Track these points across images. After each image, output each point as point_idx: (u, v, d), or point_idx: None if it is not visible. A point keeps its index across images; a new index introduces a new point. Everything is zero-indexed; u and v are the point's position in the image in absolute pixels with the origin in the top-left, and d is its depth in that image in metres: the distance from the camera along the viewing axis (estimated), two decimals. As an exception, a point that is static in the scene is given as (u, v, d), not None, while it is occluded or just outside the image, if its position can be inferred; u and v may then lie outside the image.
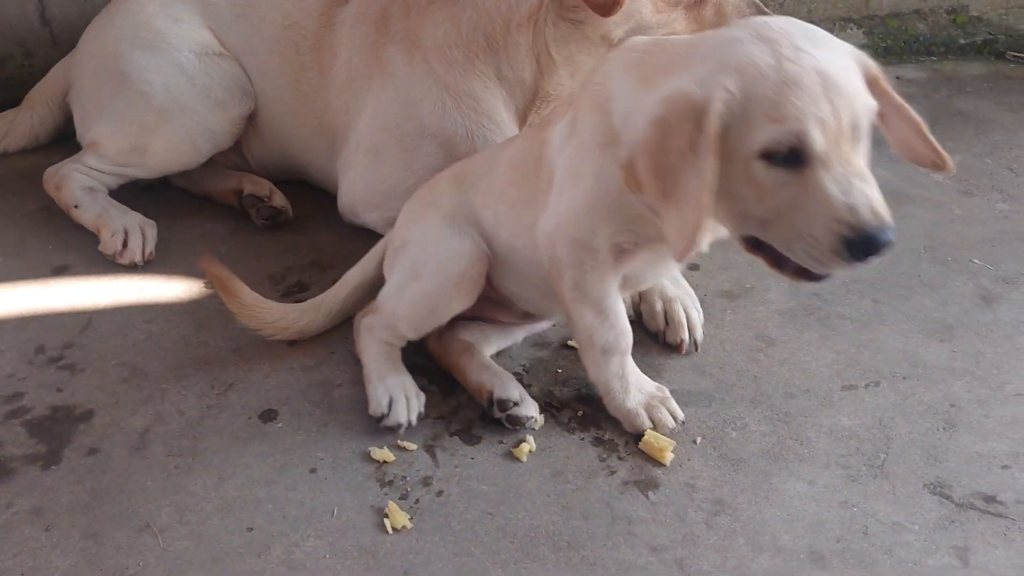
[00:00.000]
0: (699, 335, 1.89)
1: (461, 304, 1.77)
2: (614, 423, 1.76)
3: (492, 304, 1.87)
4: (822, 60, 1.30)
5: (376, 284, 1.90)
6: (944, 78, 3.24)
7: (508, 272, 1.79)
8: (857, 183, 1.29)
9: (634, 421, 1.72)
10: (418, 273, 1.77)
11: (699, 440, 1.73)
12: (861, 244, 1.29)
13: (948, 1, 3.36)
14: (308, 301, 1.94)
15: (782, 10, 3.22)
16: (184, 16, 2.34)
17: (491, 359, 1.86)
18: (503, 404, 1.74)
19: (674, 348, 1.93)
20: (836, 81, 1.30)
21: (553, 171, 1.62)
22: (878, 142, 2.77)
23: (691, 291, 1.90)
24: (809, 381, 1.88)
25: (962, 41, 3.38)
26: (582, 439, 1.74)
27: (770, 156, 1.30)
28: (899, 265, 2.23)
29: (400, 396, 1.73)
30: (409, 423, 1.71)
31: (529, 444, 1.71)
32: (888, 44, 3.34)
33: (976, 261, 2.26)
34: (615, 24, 1.94)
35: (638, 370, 1.77)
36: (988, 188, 2.57)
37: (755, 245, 1.44)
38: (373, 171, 2.18)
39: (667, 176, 1.30)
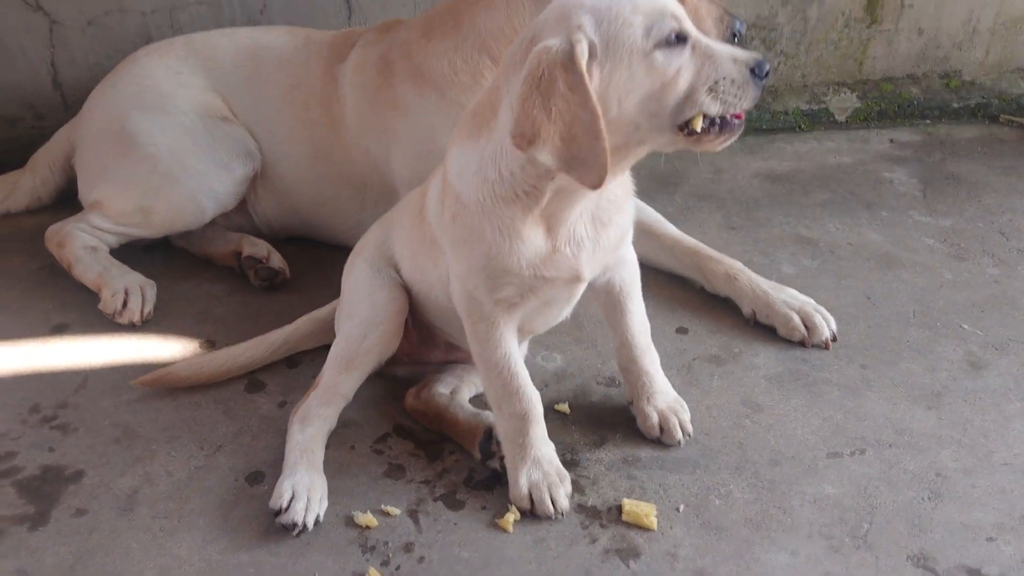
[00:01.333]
0: (690, 429, 1.90)
1: (388, 335, 1.85)
2: (597, 490, 1.77)
3: (420, 340, 1.99)
4: None
5: (325, 322, 2.05)
6: (938, 141, 3.29)
7: (420, 303, 1.91)
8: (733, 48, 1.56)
9: (513, 491, 1.73)
10: (350, 315, 1.89)
11: (682, 508, 1.74)
12: (759, 65, 1.52)
13: (941, 66, 3.42)
14: (254, 338, 2.06)
15: (776, 75, 3.28)
16: (189, 80, 2.42)
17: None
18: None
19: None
20: None
21: (433, 230, 1.74)
22: (870, 205, 2.81)
23: (678, 397, 1.92)
24: (794, 448, 1.88)
25: (955, 105, 3.43)
26: (565, 506, 1.74)
27: (661, 44, 1.48)
28: (888, 330, 2.24)
29: (303, 495, 1.68)
30: (305, 525, 1.65)
31: (514, 513, 1.71)
32: (882, 107, 3.39)
33: (965, 326, 2.27)
34: None
35: (548, 444, 1.76)
36: (979, 252, 2.59)
37: (690, 132, 1.54)
38: None
39: (558, 121, 1.42)
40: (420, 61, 2.24)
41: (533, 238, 1.60)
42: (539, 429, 1.74)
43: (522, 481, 1.72)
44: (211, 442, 1.89)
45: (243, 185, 2.42)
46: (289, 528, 1.65)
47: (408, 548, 1.65)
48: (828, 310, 2.21)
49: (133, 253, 2.44)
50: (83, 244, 2.36)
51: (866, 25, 3.25)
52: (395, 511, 1.72)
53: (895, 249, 2.59)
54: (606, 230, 1.67)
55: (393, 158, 2.31)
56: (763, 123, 3.32)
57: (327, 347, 1.92)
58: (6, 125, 2.85)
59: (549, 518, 1.70)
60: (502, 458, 1.77)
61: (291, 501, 1.67)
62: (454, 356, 2.02)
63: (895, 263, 2.53)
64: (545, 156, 1.45)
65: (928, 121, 3.42)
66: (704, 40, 1.52)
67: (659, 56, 1.48)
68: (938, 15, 3.28)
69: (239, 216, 2.54)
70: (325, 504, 1.71)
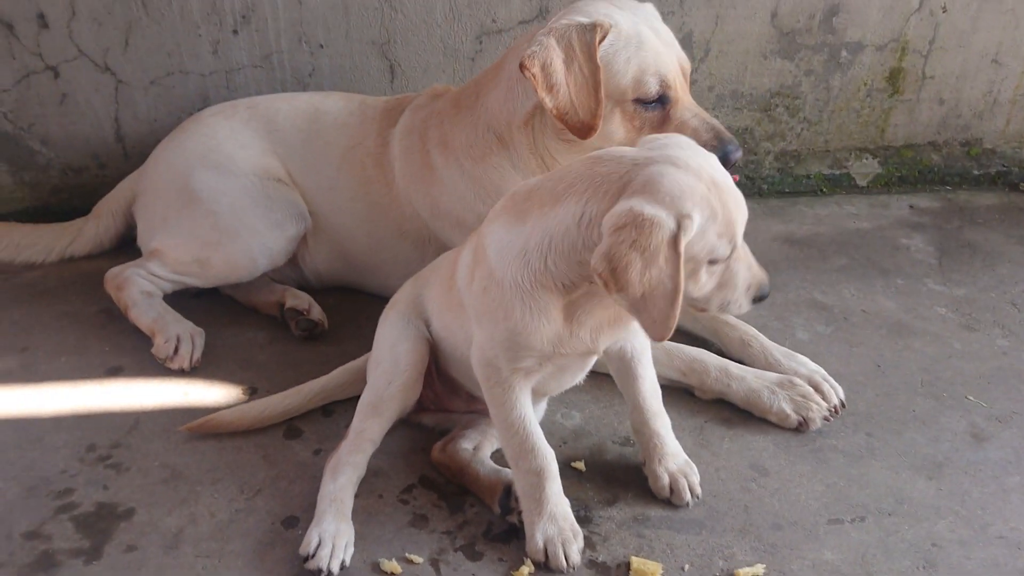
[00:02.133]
0: (699, 491, 2.00)
1: (409, 383, 2.01)
2: (608, 546, 1.88)
3: (444, 390, 2.14)
4: (721, 176, 1.65)
5: (360, 372, 2.19)
6: (957, 208, 3.38)
7: (446, 357, 2.07)
8: (748, 256, 1.74)
9: (529, 545, 1.85)
10: (376, 363, 2.06)
11: (687, 567, 1.84)
12: (763, 296, 1.75)
13: (962, 134, 3.51)
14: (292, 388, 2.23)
15: (799, 140, 3.40)
16: (250, 143, 2.61)
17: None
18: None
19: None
20: (734, 191, 1.67)
21: (461, 296, 1.89)
22: (886, 271, 2.90)
23: (688, 460, 2.03)
24: (797, 513, 1.98)
25: (976, 172, 3.51)
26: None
27: (713, 261, 1.67)
28: (895, 399, 2.33)
29: (328, 543, 1.81)
30: (330, 572, 1.78)
31: (528, 566, 1.83)
32: (903, 174, 3.49)
33: (971, 398, 2.35)
34: (600, 143, 2.18)
35: (563, 501, 1.88)
36: (990, 323, 2.67)
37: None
38: None
39: (647, 284, 1.58)
40: (446, 130, 2.42)
41: (557, 319, 1.74)
42: (554, 485, 1.86)
43: (538, 536, 1.84)
44: (251, 486, 2.04)
45: (294, 243, 2.60)
46: (315, 573, 1.79)
47: (429, 595, 1.78)
48: (838, 377, 2.31)
49: (183, 299, 2.61)
50: (140, 289, 2.53)
51: (888, 95, 3.36)
52: (418, 559, 1.85)
53: (907, 317, 2.69)
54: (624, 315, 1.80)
55: (435, 219, 2.48)
56: (785, 186, 3.44)
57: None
58: (73, 173, 3.06)
59: (562, 572, 1.82)
60: (520, 513, 1.89)
61: (317, 548, 1.81)
62: (475, 407, 2.15)
63: (906, 331, 2.62)
64: (620, 301, 1.62)
65: (948, 187, 3.51)
66: (734, 268, 1.70)
67: (703, 272, 1.66)
68: (959, 86, 3.39)
69: (288, 268, 2.71)
70: (351, 551, 1.84)
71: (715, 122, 2.21)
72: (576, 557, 1.83)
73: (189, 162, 2.56)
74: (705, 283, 1.69)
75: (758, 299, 1.74)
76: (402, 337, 2.05)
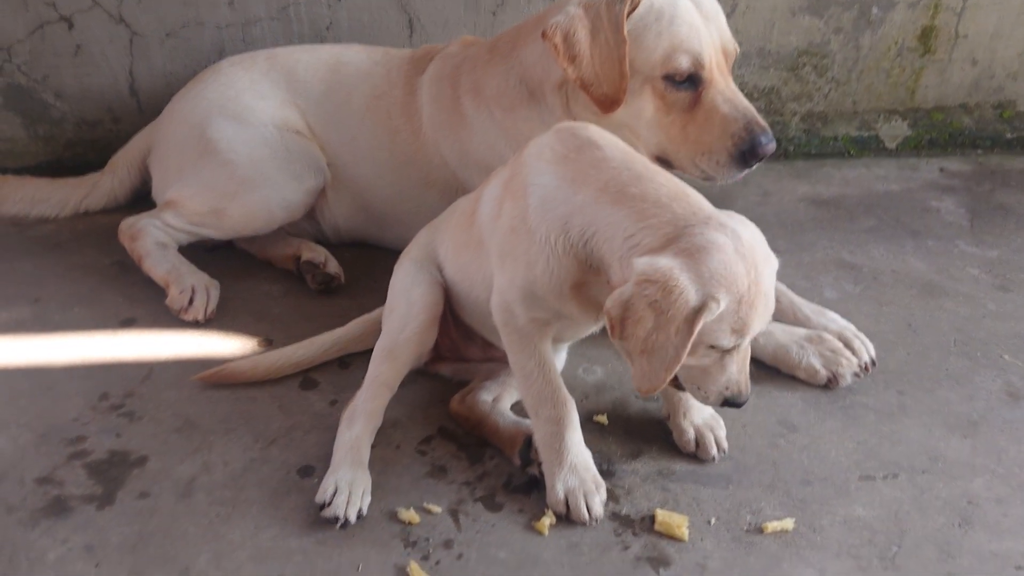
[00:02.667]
0: (725, 445, 1.94)
1: (424, 327, 1.96)
2: (631, 499, 1.83)
3: (460, 337, 2.10)
4: (767, 281, 1.59)
5: (375, 325, 2.15)
6: (988, 172, 3.28)
7: (460, 302, 2.02)
8: (746, 364, 1.67)
9: (550, 496, 1.80)
10: (391, 309, 2.02)
11: (713, 521, 1.79)
12: (732, 402, 1.69)
13: (995, 96, 3.41)
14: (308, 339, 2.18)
15: (827, 101, 3.31)
16: (269, 94, 2.55)
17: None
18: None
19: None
20: (771, 297, 1.61)
21: (482, 232, 1.84)
22: (916, 233, 2.83)
23: (715, 414, 1.97)
24: (827, 469, 1.92)
25: (1008, 135, 3.41)
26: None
27: (714, 347, 1.60)
28: (927, 358, 2.26)
29: (345, 490, 1.77)
30: (347, 519, 1.74)
31: (549, 517, 1.78)
32: (933, 136, 3.40)
33: (1006, 357, 2.28)
34: (627, 118, 2.14)
35: (584, 452, 1.83)
36: (1024, 284, 2.59)
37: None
38: None
39: (650, 343, 1.54)
40: (478, 77, 2.36)
41: (569, 292, 1.70)
42: (575, 435, 1.81)
43: (558, 487, 1.78)
44: (266, 435, 1.99)
45: (312, 196, 2.54)
46: (332, 521, 1.75)
47: (448, 545, 1.73)
48: (868, 336, 2.24)
49: (197, 253, 2.57)
50: (155, 240, 2.49)
51: (919, 54, 3.27)
52: (436, 509, 1.81)
53: (939, 278, 2.61)
54: None
55: (463, 166, 2.42)
56: (812, 148, 3.36)
57: (378, 349, 2.02)
58: (87, 127, 3.02)
59: (584, 524, 1.77)
60: (540, 464, 1.84)
61: (334, 496, 1.77)
62: (492, 354, 2.11)
63: (938, 292, 2.54)
64: (619, 347, 1.59)
65: (979, 151, 3.41)
66: (726, 363, 1.63)
67: (700, 351, 1.60)
68: (993, 46, 3.28)
69: (305, 222, 2.66)
70: (368, 500, 1.80)
71: (750, 110, 2.10)
72: (598, 509, 1.78)
73: (207, 112, 2.51)
74: (694, 361, 1.63)
75: (728, 403, 1.68)
76: (416, 282, 2.00)
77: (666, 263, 1.51)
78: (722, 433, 1.94)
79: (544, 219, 1.67)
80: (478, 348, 2.12)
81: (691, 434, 1.93)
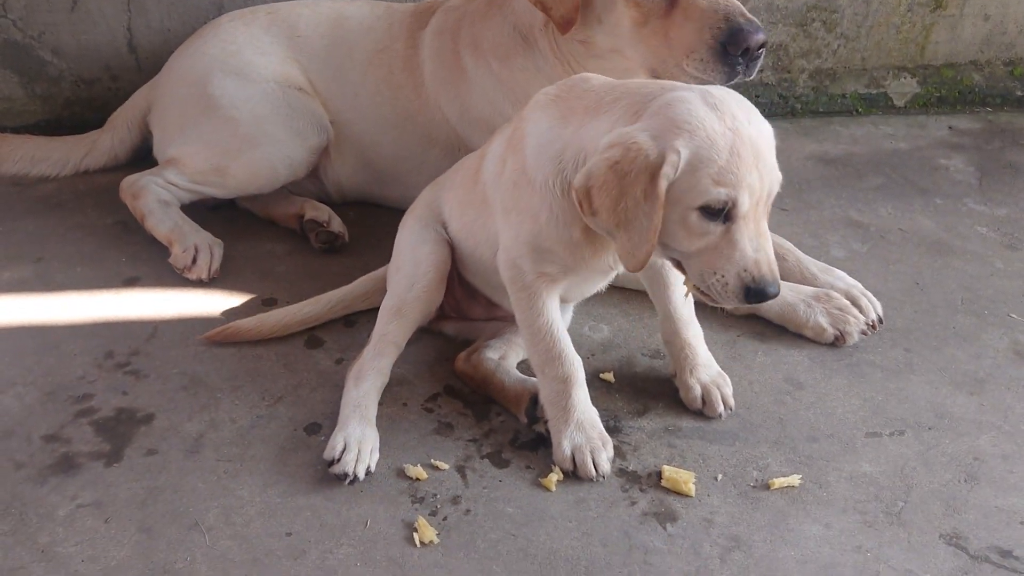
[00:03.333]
0: (732, 403, 1.94)
1: (432, 285, 1.96)
2: (638, 456, 1.83)
3: (464, 296, 2.10)
4: (755, 133, 1.52)
5: (380, 284, 2.13)
6: (998, 129, 3.25)
7: (464, 261, 2.02)
8: (763, 243, 1.56)
9: (556, 453, 1.80)
10: (397, 268, 2.02)
11: (720, 477, 1.79)
12: (757, 292, 1.55)
13: (1006, 52, 3.36)
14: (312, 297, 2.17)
15: (835, 58, 3.27)
16: (270, 50, 2.51)
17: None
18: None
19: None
20: (764, 154, 1.53)
21: (486, 190, 1.82)
22: (924, 191, 2.80)
23: (722, 371, 1.96)
24: (834, 426, 1.92)
25: (1019, 93, 3.37)
26: (606, 469, 1.81)
27: (706, 209, 1.52)
28: (935, 316, 2.26)
29: (354, 447, 1.76)
30: (356, 475, 1.74)
31: (557, 474, 1.78)
32: (942, 94, 3.35)
33: (1014, 315, 2.27)
34: (609, 40, 2.10)
35: (591, 409, 1.82)
36: (1033, 243, 2.58)
37: (677, 263, 1.66)
38: None
39: (621, 213, 1.51)
40: (477, 30, 2.34)
41: (580, 237, 1.67)
42: (581, 392, 1.81)
43: (565, 444, 1.79)
44: (272, 393, 1.99)
45: (316, 155, 2.51)
46: (340, 477, 1.75)
47: (455, 501, 1.74)
48: (876, 294, 2.23)
49: (200, 212, 2.54)
50: (157, 198, 2.46)
51: (930, 9, 3.21)
52: (444, 466, 1.81)
53: (947, 236, 2.59)
54: None
55: (465, 123, 2.40)
56: (820, 105, 3.31)
57: (383, 308, 2.01)
58: (85, 86, 2.98)
59: (591, 480, 1.77)
60: (547, 422, 1.84)
61: (343, 452, 1.77)
62: (496, 313, 2.10)
63: (946, 250, 2.53)
64: (596, 226, 1.56)
65: (989, 109, 3.37)
66: (743, 232, 1.53)
67: (693, 217, 1.53)
68: (1006, 1, 3.23)
69: (308, 181, 2.63)
70: (376, 456, 1.80)
71: (732, 1, 1.97)
72: (606, 466, 1.78)
73: (208, 68, 2.47)
74: (696, 237, 1.54)
75: (752, 294, 1.54)
76: (422, 240, 1.99)
77: (629, 128, 1.52)
78: (729, 391, 1.94)
79: (540, 164, 1.66)
80: (481, 307, 2.11)
81: (697, 391, 1.93)
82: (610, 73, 2.17)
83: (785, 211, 2.70)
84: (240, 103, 2.42)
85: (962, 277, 2.41)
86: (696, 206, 1.52)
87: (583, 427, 1.80)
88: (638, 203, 1.49)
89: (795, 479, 1.77)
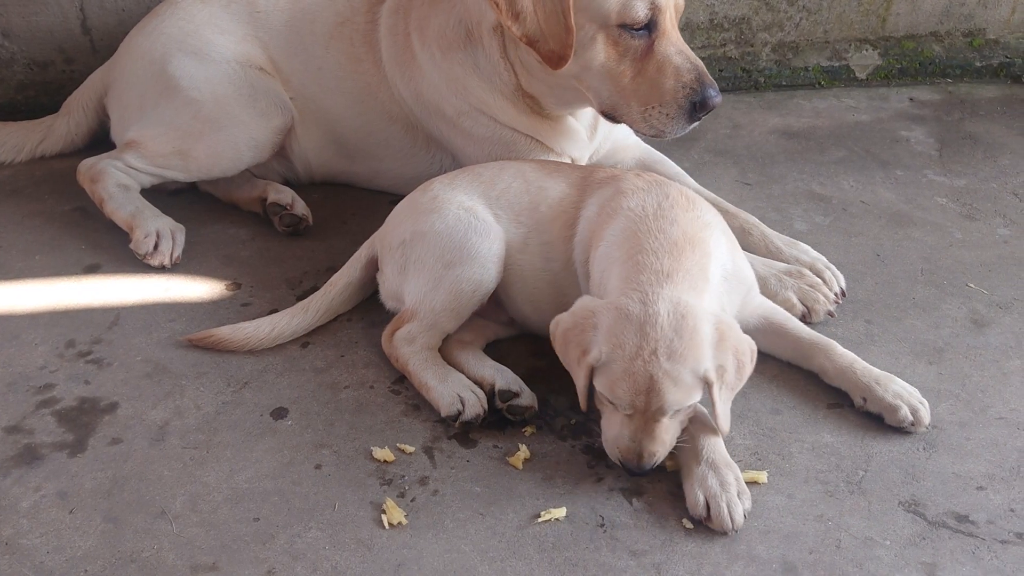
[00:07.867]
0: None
1: (495, 286, 1.94)
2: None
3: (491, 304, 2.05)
4: (664, 366, 1.63)
5: (361, 284, 2.10)
6: (958, 100, 3.28)
7: (513, 281, 1.99)
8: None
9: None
10: (450, 262, 1.91)
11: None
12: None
13: (965, 23, 3.39)
14: (296, 305, 2.08)
15: (798, 31, 3.28)
16: (230, 28, 2.46)
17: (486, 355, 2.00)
18: (504, 395, 1.86)
19: None
20: None
21: (576, 263, 1.92)
22: (885, 163, 2.83)
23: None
24: (796, 399, 1.95)
25: (978, 64, 3.40)
26: (573, 446, 1.83)
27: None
28: (895, 287, 2.29)
29: (468, 394, 1.84)
30: (479, 416, 1.82)
31: (524, 452, 1.80)
32: (903, 65, 3.38)
33: (972, 285, 2.31)
34: (576, 70, 2.08)
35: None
36: (991, 213, 2.61)
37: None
38: None
39: (570, 363, 1.74)
40: (425, 14, 2.32)
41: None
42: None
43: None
44: (237, 379, 1.98)
45: (280, 135, 2.47)
46: (472, 422, 1.84)
47: (423, 482, 1.75)
48: (838, 266, 2.26)
49: (161, 196, 2.50)
50: (116, 182, 2.41)
51: (891, -19, 3.23)
52: (411, 448, 1.82)
53: (907, 208, 2.63)
54: None
55: (418, 106, 2.38)
56: (783, 79, 3.33)
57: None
58: (38, 69, 2.91)
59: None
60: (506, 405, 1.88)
61: (462, 402, 1.85)
62: (504, 328, 2.12)
63: (906, 221, 2.56)
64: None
65: (949, 80, 3.40)
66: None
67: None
68: (965, -28, 3.25)
69: (276, 162, 2.58)
70: (481, 392, 1.88)
71: (699, 63, 2.07)
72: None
73: (166, 48, 2.42)
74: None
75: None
76: (481, 233, 1.93)
77: (592, 305, 1.69)
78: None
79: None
80: (500, 318, 2.10)
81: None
82: (558, 94, 2.22)
83: (749, 185, 2.72)
84: (201, 84, 2.38)
85: (922, 248, 2.45)
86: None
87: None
88: (574, 368, 1.71)
89: (763, 476, 1.76)
